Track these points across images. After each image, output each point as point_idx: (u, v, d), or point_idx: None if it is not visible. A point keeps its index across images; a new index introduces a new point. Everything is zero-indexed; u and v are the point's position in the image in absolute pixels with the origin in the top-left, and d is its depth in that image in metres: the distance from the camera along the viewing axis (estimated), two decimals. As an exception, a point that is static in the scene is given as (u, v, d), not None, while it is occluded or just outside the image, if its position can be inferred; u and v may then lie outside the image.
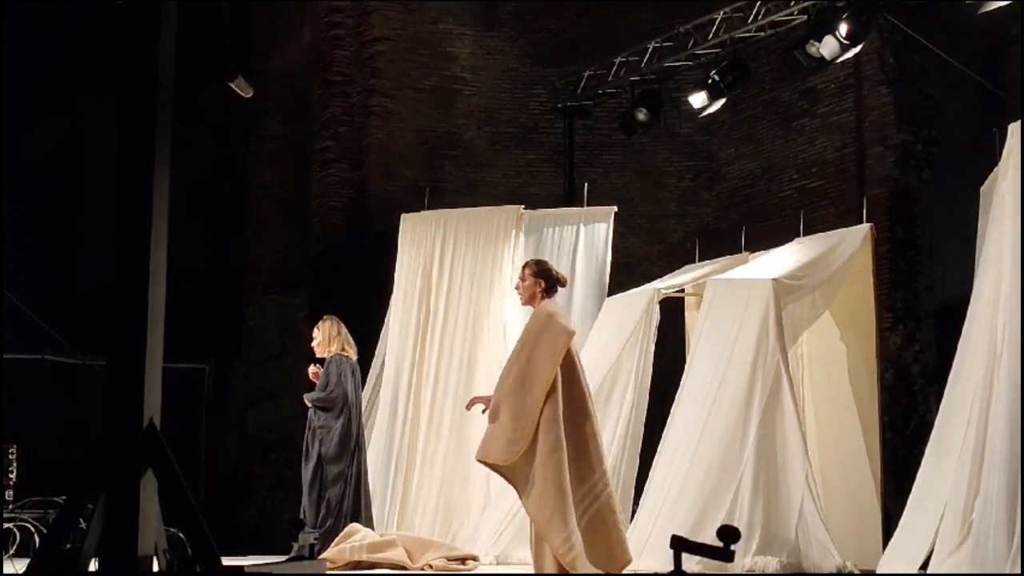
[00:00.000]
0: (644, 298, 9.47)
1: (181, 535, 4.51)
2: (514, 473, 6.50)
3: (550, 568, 6.53)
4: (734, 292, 8.89)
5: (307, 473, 8.83)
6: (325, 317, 9.12)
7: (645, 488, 8.73)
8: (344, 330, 9.05)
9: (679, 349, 10.04)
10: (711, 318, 8.91)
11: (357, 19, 13.38)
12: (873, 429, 9.17)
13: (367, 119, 13.12)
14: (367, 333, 10.05)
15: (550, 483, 6.39)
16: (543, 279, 6.85)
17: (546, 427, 6.45)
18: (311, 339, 9.13)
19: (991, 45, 10.71)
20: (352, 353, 9.04)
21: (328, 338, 8.98)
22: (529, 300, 6.90)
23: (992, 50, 10.76)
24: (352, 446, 8.78)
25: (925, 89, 11.29)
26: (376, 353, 10.34)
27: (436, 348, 10.19)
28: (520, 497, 6.52)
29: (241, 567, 4.73)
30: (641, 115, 12.22)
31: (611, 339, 9.42)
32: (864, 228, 9.29)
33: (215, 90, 5.06)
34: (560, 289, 6.98)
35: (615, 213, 10.48)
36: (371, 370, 10.29)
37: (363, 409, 9.28)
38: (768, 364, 8.45)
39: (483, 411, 6.71)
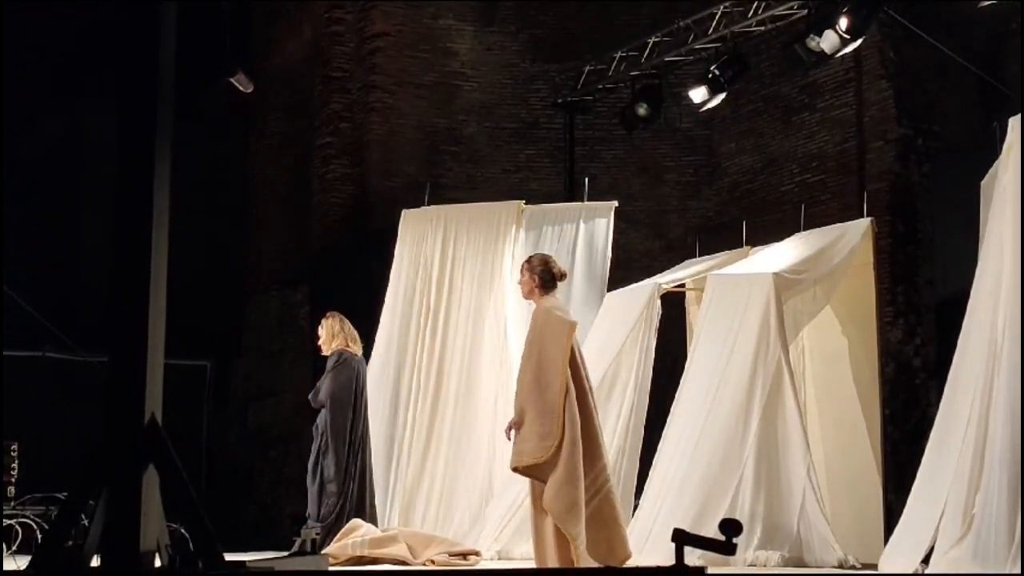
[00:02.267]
0: (645, 293, 9.47)
1: (183, 531, 4.51)
2: (543, 469, 6.56)
3: (552, 562, 6.56)
4: (735, 287, 8.90)
5: (310, 468, 8.86)
6: (328, 313, 9.12)
7: (647, 482, 8.73)
8: (348, 325, 9.05)
9: (680, 344, 10.05)
10: (712, 313, 8.91)
11: (357, 15, 13.38)
12: (874, 423, 9.17)
13: (367, 115, 13.12)
14: (368, 329, 10.06)
15: (572, 475, 6.49)
16: (540, 275, 6.92)
17: (568, 421, 6.54)
18: (317, 337, 9.12)
19: (991, 39, 10.71)
20: (357, 349, 9.05)
21: (331, 335, 8.98)
22: (528, 295, 7.02)
23: (992, 44, 10.76)
24: (352, 442, 8.78)
25: (925, 84, 11.28)
26: (374, 349, 10.33)
27: (437, 344, 10.19)
28: (547, 490, 6.55)
29: (243, 562, 4.74)
30: (641, 110, 12.21)
31: (612, 334, 9.42)
32: (865, 222, 9.29)
33: (215, 88, 5.07)
34: (561, 284, 7.03)
35: (615, 208, 10.47)
36: (369, 365, 10.28)
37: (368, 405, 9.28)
38: (769, 358, 8.46)
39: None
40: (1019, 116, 7.22)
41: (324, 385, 8.87)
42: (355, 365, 8.93)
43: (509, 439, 6.81)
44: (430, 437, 10.01)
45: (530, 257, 7.18)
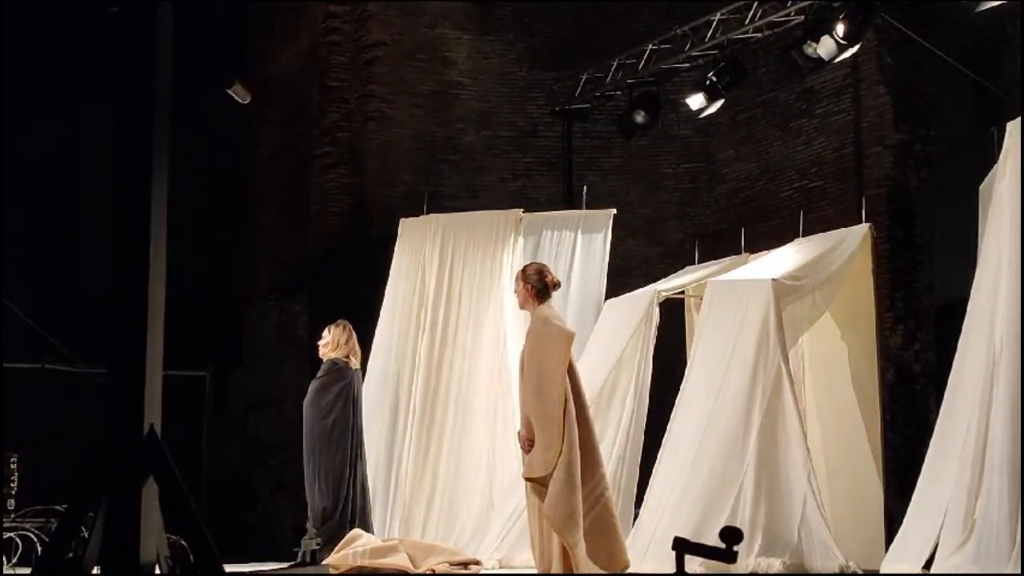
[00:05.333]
0: (644, 300, 9.46)
1: (183, 542, 4.50)
2: (545, 479, 6.57)
3: (553, 571, 6.55)
4: (734, 293, 8.89)
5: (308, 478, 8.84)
6: (338, 321, 9.10)
7: (647, 490, 8.72)
8: (354, 339, 9.02)
9: (680, 351, 10.04)
10: (711, 319, 8.91)
11: (354, 24, 13.38)
12: (875, 429, 9.17)
13: (365, 124, 13.12)
14: (367, 338, 10.04)
15: (570, 483, 6.50)
16: (533, 285, 6.94)
17: (567, 430, 6.56)
18: (319, 337, 9.08)
19: (988, 43, 10.72)
20: (355, 362, 9.02)
21: (335, 344, 8.95)
22: (523, 305, 7.05)
23: (989, 48, 10.77)
24: (349, 451, 8.75)
25: (923, 88, 11.29)
26: (371, 358, 10.30)
27: (436, 352, 10.19)
28: (546, 499, 6.56)
29: (243, 573, 4.73)
30: (639, 117, 12.21)
31: (611, 342, 9.41)
32: (863, 228, 9.30)
33: (213, 93, 5.06)
34: (559, 292, 7.05)
35: (614, 216, 10.48)
36: (367, 374, 10.25)
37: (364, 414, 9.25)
38: (769, 365, 8.45)
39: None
40: (1017, 120, 7.23)
41: (309, 391, 8.85)
42: (348, 376, 8.87)
43: (528, 452, 6.77)
44: (430, 446, 10.00)
45: (524, 267, 7.21)
